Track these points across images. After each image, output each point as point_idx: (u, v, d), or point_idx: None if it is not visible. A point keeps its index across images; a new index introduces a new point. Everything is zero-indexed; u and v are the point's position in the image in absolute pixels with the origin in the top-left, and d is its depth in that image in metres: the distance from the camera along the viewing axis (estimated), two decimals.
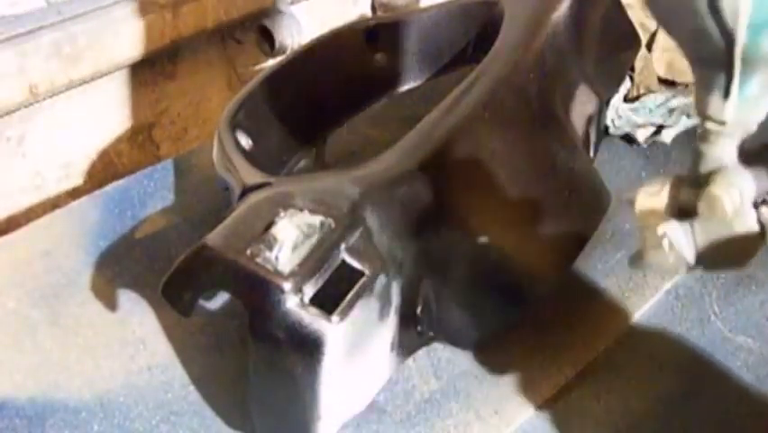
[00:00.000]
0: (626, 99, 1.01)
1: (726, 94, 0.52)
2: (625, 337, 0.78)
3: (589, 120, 0.87)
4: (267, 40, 1.32)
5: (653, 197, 0.59)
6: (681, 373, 0.75)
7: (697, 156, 0.55)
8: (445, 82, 0.94)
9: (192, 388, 0.73)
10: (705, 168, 0.55)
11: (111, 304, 0.80)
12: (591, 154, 0.89)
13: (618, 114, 0.99)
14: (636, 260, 0.61)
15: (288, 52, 1.26)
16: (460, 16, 0.97)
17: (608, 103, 0.95)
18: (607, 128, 0.99)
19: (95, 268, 0.83)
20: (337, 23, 1.05)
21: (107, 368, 0.74)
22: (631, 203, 0.60)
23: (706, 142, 0.55)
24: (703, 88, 0.53)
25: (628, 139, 1.00)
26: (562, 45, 0.83)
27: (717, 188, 0.54)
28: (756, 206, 0.55)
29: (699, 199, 0.55)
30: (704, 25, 0.49)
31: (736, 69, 0.50)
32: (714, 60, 0.51)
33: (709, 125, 0.54)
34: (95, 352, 0.76)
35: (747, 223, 0.55)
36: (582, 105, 0.85)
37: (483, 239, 0.73)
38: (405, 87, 0.99)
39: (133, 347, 0.76)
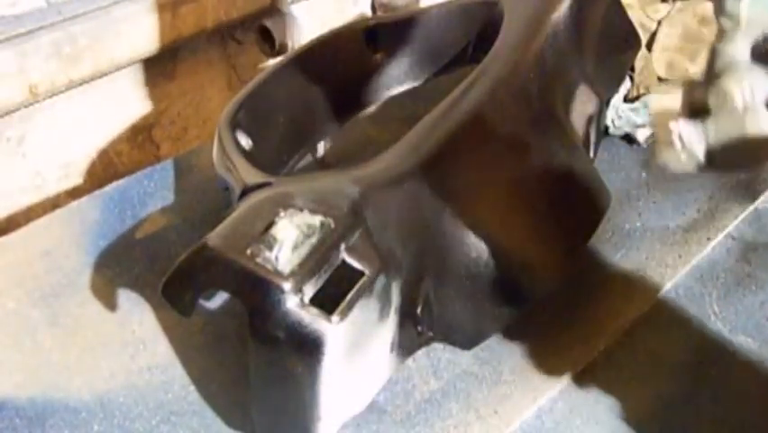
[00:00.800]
0: (626, 99, 1.01)
1: None
2: (625, 337, 0.78)
3: (589, 120, 0.87)
4: (267, 40, 1.32)
5: (667, 96, 0.59)
6: (681, 373, 0.75)
7: (711, 55, 0.55)
8: (445, 82, 0.94)
9: (192, 388, 0.73)
10: (719, 66, 0.55)
11: (111, 304, 0.80)
12: (591, 154, 0.89)
13: (618, 114, 0.99)
14: (649, 158, 0.61)
15: (288, 52, 1.26)
16: (460, 16, 0.97)
17: (608, 103, 0.95)
18: (607, 128, 0.99)
19: (95, 268, 0.83)
20: (337, 23, 1.05)
21: (107, 368, 0.74)
22: (645, 104, 0.60)
23: (721, 41, 0.54)
24: None
25: (628, 139, 1.00)
26: (562, 45, 0.83)
27: (728, 82, 0.53)
28: None
29: (710, 94, 0.54)
30: None
31: None
32: None
33: (725, 22, 0.53)
34: (95, 352, 0.76)
35: (760, 122, 0.54)
36: (582, 105, 0.85)
37: (483, 239, 0.73)
38: (405, 87, 0.99)
39: (133, 347, 0.76)
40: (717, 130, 0.56)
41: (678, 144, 0.57)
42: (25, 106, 1.10)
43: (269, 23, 1.30)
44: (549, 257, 0.77)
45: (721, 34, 0.54)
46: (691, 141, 0.56)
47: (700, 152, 0.57)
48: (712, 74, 0.54)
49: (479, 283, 0.73)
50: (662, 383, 0.74)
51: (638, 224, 0.89)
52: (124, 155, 1.27)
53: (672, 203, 0.90)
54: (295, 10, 1.35)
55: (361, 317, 0.62)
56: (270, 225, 0.62)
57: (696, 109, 0.56)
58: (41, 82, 1.07)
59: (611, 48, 0.92)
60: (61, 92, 1.12)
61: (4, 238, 0.87)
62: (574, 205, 0.81)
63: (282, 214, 0.62)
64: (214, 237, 0.63)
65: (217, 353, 0.76)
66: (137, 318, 0.79)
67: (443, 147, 0.72)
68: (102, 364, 0.75)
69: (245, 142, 0.82)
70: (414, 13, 1.02)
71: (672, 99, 0.57)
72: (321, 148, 0.96)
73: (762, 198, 0.90)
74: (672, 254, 0.85)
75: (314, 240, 0.61)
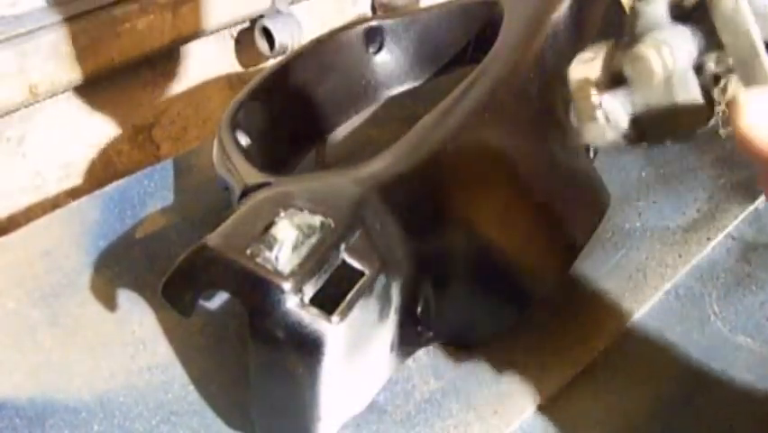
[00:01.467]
0: None
1: None
2: (624, 338, 0.78)
3: None
4: (267, 40, 1.32)
5: (587, 64, 0.52)
6: (681, 374, 0.75)
7: (633, 15, 0.49)
8: (445, 82, 0.94)
9: (192, 388, 0.73)
10: (641, 28, 0.49)
11: (111, 304, 0.80)
12: (591, 154, 0.89)
13: None
14: (573, 135, 0.55)
15: (288, 52, 1.26)
16: (460, 16, 0.96)
17: None
18: None
19: (95, 268, 0.83)
20: (337, 23, 1.06)
21: (107, 368, 0.74)
22: (566, 75, 0.54)
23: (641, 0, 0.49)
24: None
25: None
26: (562, 45, 0.83)
27: (644, 47, 0.47)
28: (699, 71, 0.48)
29: (626, 61, 0.48)
30: None
31: None
32: None
33: None
34: (95, 352, 0.76)
35: (689, 88, 0.48)
36: None
37: (483, 239, 0.73)
38: (405, 87, 0.99)
39: (133, 347, 0.76)
40: (640, 100, 0.50)
41: (601, 119, 0.52)
42: (25, 106, 1.10)
43: (269, 23, 1.31)
44: (549, 257, 0.77)
45: None
46: (615, 114, 0.51)
47: (626, 126, 0.51)
48: (632, 38, 0.49)
49: (478, 283, 0.73)
50: (661, 384, 0.74)
51: (638, 224, 0.89)
52: (124, 155, 1.27)
53: (672, 203, 0.90)
54: (295, 10, 1.35)
55: (360, 317, 0.62)
56: (270, 225, 0.62)
57: (617, 78, 0.51)
58: (41, 82, 1.08)
59: None
60: (61, 92, 1.12)
61: (4, 238, 0.87)
62: (574, 205, 0.81)
63: (282, 214, 0.62)
64: (214, 237, 0.63)
65: (217, 353, 0.76)
66: (137, 319, 0.79)
67: (444, 147, 0.72)
68: (102, 364, 0.75)
69: (245, 142, 0.82)
70: (414, 12, 1.02)
71: (592, 68, 0.52)
72: (321, 148, 0.96)
73: (762, 198, 0.90)
74: (672, 254, 0.85)
75: (314, 240, 0.61)
